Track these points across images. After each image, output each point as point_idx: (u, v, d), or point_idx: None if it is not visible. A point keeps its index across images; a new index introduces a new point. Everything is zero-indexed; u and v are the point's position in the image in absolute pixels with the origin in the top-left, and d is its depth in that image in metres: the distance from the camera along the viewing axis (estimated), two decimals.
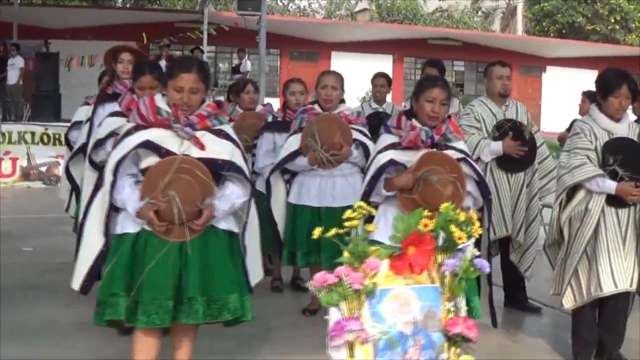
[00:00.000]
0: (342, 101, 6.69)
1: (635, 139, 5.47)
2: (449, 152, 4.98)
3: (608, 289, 5.31)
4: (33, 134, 16.04)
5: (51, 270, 7.76)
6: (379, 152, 5.08)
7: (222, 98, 8.73)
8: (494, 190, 6.71)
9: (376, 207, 5.09)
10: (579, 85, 10.29)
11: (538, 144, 6.92)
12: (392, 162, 4.97)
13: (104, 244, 4.43)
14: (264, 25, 19.70)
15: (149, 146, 4.34)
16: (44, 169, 15.80)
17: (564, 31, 41.52)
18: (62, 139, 14.36)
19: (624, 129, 5.47)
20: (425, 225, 3.31)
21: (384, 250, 3.33)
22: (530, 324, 6.87)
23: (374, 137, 7.29)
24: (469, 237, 3.43)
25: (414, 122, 5.02)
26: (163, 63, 21.57)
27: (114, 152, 4.46)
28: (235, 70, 22.91)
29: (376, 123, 7.04)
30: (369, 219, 5.04)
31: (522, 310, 7.09)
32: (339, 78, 6.61)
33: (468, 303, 4.91)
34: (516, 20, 46.68)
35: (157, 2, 35.76)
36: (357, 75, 23.52)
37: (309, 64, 29.98)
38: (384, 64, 28.23)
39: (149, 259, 4.25)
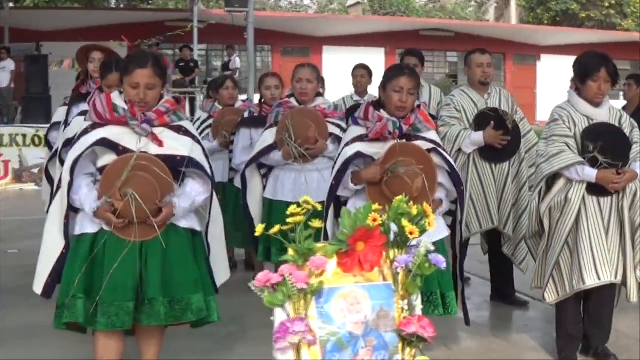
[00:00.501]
0: (319, 94, 6.52)
1: (616, 124, 5.26)
2: (418, 142, 4.78)
3: (591, 281, 5.09)
4: (24, 136, 16.23)
5: (32, 273, 7.56)
6: (346, 144, 4.88)
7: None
8: (478, 182, 6.54)
9: (345, 202, 4.92)
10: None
11: (523, 132, 6.68)
12: (359, 155, 4.77)
13: (64, 246, 4.32)
14: (251, 21, 19.49)
15: (106, 144, 4.24)
16: (36, 170, 15.81)
17: (558, 18, 41.30)
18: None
19: (604, 114, 5.25)
20: (374, 220, 3.09)
21: (331, 247, 3.12)
22: (517, 318, 6.67)
23: None
24: (422, 231, 3.22)
25: (382, 112, 4.82)
26: None
27: (70, 151, 4.35)
28: (225, 67, 22.71)
29: None
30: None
31: (509, 304, 6.89)
32: (314, 71, 6.43)
33: (443, 299, 4.78)
34: (510, 9, 46.50)
35: (149, 2, 35.56)
36: (349, 69, 23.25)
37: (300, 59, 29.59)
38: (376, 57, 28.03)
39: (108, 260, 4.15)
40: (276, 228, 3.27)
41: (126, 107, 4.29)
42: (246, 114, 7.53)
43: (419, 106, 4.90)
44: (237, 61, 22.27)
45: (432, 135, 4.87)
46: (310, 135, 6.10)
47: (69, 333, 4.41)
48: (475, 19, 43.72)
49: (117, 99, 4.35)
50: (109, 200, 4.11)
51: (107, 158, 4.24)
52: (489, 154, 6.48)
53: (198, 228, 4.45)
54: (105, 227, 4.18)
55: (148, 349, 4.44)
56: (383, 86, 4.84)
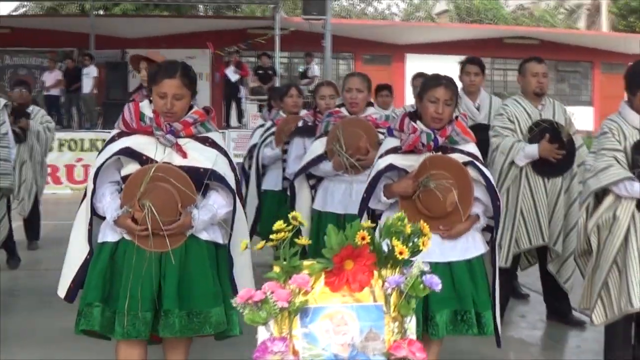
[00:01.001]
0: (370, 104, 6.35)
1: None
2: (454, 155, 4.59)
3: (639, 304, 4.82)
4: (104, 141, 16.16)
5: None
6: (380, 156, 4.72)
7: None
8: (529, 197, 6.30)
9: (380, 215, 4.77)
10: None
11: (577, 146, 6.42)
12: (391, 167, 4.60)
13: (88, 252, 4.30)
14: (329, 29, 19.44)
15: (129, 153, 4.23)
16: None
17: None
18: None
19: None
20: (363, 238, 2.93)
21: (318, 265, 2.96)
22: (571, 339, 6.42)
23: None
24: (415, 251, 3.04)
25: (418, 124, 4.64)
26: (231, 69, 21.60)
27: (97, 159, 4.35)
28: (303, 75, 22.66)
29: None
30: None
31: (565, 323, 6.61)
32: (365, 80, 6.26)
33: (478, 318, 4.56)
34: (601, 17, 45.46)
35: (236, 9, 35.82)
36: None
37: (382, 67, 29.50)
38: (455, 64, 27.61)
39: (127, 269, 4.13)
40: (261, 244, 3.14)
41: (153, 117, 4.26)
42: (300, 123, 7.42)
43: (456, 117, 4.71)
44: (315, 69, 22.18)
45: (470, 147, 4.67)
46: (362, 146, 5.93)
47: (80, 337, 4.34)
48: (565, 27, 42.78)
49: (146, 108, 4.33)
50: (130, 209, 4.08)
51: (131, 167, 4.22)
52: (543, 167, 6.24)
53: (221, 241, 4.37)
54: (127, 237, 4.15)
55: (172, 358, 4.39)
56: (419, 96, 4.67)
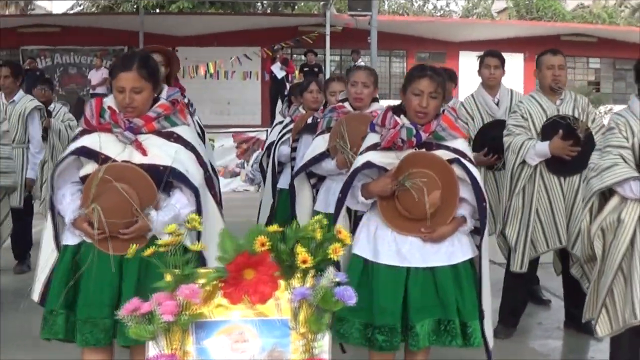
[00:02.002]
0: (375, 100, 6.00)
1: None
2: (439, 152, 4.23)
3: None
4: None
5: None
6: (360, 153, 4.39)
7: None
8: (545, 197, 5.92)
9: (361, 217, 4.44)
10: None
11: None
12: (368, 165, 4.27)
13: (57, 255, 4.12)
14: (374, 25, 19.11)
15: (85, 153, 4.00)
16: None
17: None
18: None
19: None
20: (262, 244, 2.59)
21: (213, 274, 2.63)
22: (587, 350, 6.01)
23: None
24: (325, 260, 2.69)
25: (402, 118, 4.30)
26: (277, 66, 21.38)
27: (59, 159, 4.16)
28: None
29: None
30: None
31: (583, 332, 6.19)
32: (371, 74, 5.91)
33: (464, 328, 4.21)
34: None
35: (293, 7, 35.56)
36: None
37: (435, 64, 29.03)
38: (515, 61, 27.00)
39: (87, 274, 3.90)
40: (150, 250, 2.83)
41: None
42: (310, 120, 7.09)
43: (443, 111, 4.35)
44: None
45: (458, 144, 4.31)
46: None
47: None
48: (625, 25, 41.73)
49: (110, 103, 4.09)
50: (86, 211, 3.86)
51: (89, 167, 3.99)
52: (557, 166, 5.84)
53: (188, 242, 4.05)
54: (87, 240, 3.93)
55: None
56: (403, 89, 4.33)
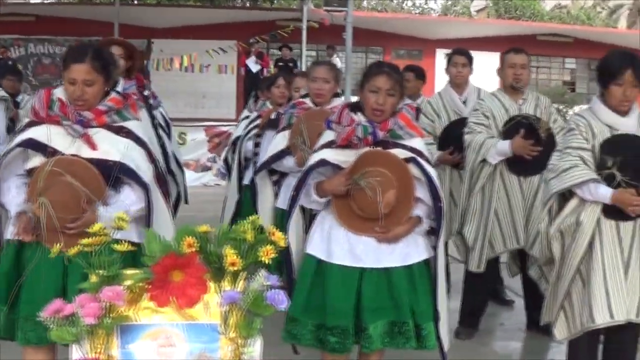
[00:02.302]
0: (337, 95, 5.93)
1: None
2: (395, 150, 4.15)
3: (601, 319, 4.34)
4: None
5: None
6: (315, 151, 4.31)
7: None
8: (504, 197, 5.86)
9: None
10: None
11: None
12: (323, 163, 4.18)
13: None
14: (350, 21, 18.89)
15: (32, 145, 3.87)
16: None
17: None
18: None
19: (631, 124, 4.48)
20: (190, 245, 2.49)
21: (141, 275, 2.53)
22: (547, 352, 5.95)
23: None
24: (256, 262, 2.60)
25: (358, 116, 4.22)
26: (252, 60, 21.23)
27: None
28: None
29: None
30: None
31: (544, 334, 6.12)
32: (332, 70, 5.84)
33: (418, 330, 4.14)
34: None
35: (272, 1, 35.35)
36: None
37: (412, 62, 28.95)
38: (492, 60, 26.98)
39: (30, 270, 3.78)
40: (74, 249, 2.72)
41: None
42: (273, 116, 7.00)
43: (401, 109, 4.26)
44: (337, 62, 21.73)
45: (415, 142, 4.23)
46: None
47: None
48: (603, 26, 41.86)
49: (60, 94, 3.97)
50: (33, 207, 3.74)
51: (36, 160, 3.88)
52: (518, 165, 5.78)
53: (136, 239, 3.92)
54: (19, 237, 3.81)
55: None
56: (360, 86, 4.25)
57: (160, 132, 7.81)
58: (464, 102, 6.74)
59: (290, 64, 21.23)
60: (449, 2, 46.44)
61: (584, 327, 4.41)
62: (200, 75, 25.56)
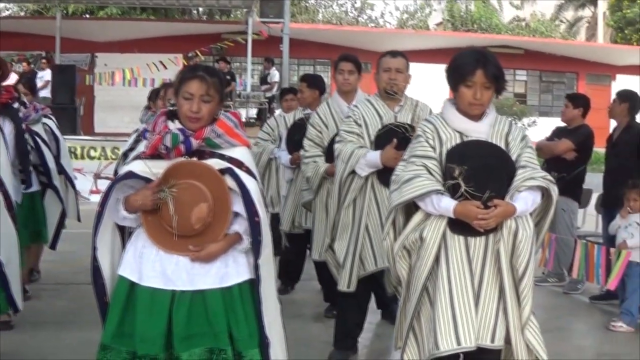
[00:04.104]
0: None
1: (501, 142, 4.09)
2: (212, 161, 3.74)
3: (446, 346, 3.91)
4: None
5: None
6: (126, 162, 3.90)
7: None
8: (375, 212, 5.46)
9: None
10: None
11: None
12: (130, 175, 3.76)
13: None
14: (286, 32, 18.71)
15: None
16: None
17: None
18: (79, 152, 15.38)
19: (483, 129, 4.09)
20: None
21: None
22: None
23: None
24: None
25: (175, 123, 3.81)
26: None
27: None
28: (263, 80, 21.85)
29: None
30: None
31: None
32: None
33: (240, 358, 3.76)
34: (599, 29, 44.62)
35: (228, 14, 34.96)
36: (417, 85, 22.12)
37: (365, 75, 28.71)
38: (441, 72, 26.75)
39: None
40: None
41: None
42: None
43: (221, 116, 3.86)
44: (276, 75, 21.35)
45: (236, 152, 3.82)
46: None
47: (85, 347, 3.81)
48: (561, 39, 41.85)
49: None
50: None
51: None
52: (389, 177, 5.34)
53: None
54: None
55: None
56: (175, 92, 3.84)
57: (43, 147, 7.43)
58: None
59: (228, 77, 20.80)
60: (405, 16, 46.18)
61: (431, 354, 4.00)
62: (144, 90, 25.11)
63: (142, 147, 3.86)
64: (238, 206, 3.74)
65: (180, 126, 3.78)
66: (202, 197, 3.64)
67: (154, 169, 3.73)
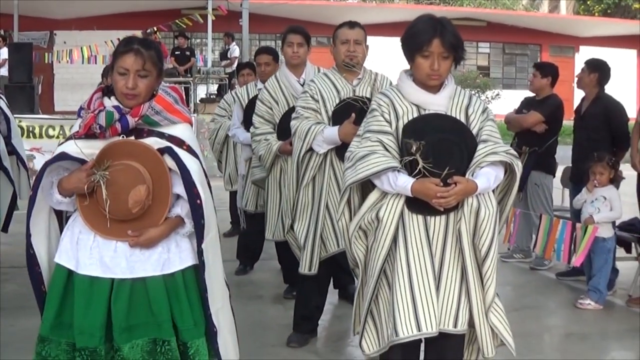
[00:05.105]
0: None
1: (460, 115, 3.86)
2: (150, 140, 3.48)
3: (406, 332, 3.69)
4: None
5: None
6: (60, 143, 3.62)
7: None
8: (335, 191, 5.22)
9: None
10: (616, 66, 8.71)
11: None
12: (62, 157, 3.49)
13: None
14: (246, 7, 18.45)
15: None
16: None
17: (609, 11, 39.14)
18: (37, 131, 14.75)
19: (441, 102, 3.84)
20: None
21: None
22: None
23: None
24: None
25: (112, 100, 3.54)
26: None
27: None
28: (223, 56, 21.51)
29: None
30: None
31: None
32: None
33: (185, 348, 3.52)
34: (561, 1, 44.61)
35: None
36: (373, 57, 21.88)
37: (321, 50, 28.37)
38: (398, 46, 26.51)
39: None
40: None
41: None
42: None
43: (156, 92, 3.59)
44: (236, 50, 21.01)
45: (177, 130, 3.56)
46: None
47: None
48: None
49: None
50: None
51: None
52: None
53: None
54: None
55: None
56: (111, 67, 3.57)
57: None
58: (302, 85, 6.08)
59: (188, 53, 20.47)
60: None
61: (390, 340, 3.78)
62: (103, 67, 24.76)
63: (75, 128, 3.58)
64: (179, 187, 3.48)
65: (116, 103, 3.51)
66: (139, 178, 3.39)
67: (88, 149, 3.47)
